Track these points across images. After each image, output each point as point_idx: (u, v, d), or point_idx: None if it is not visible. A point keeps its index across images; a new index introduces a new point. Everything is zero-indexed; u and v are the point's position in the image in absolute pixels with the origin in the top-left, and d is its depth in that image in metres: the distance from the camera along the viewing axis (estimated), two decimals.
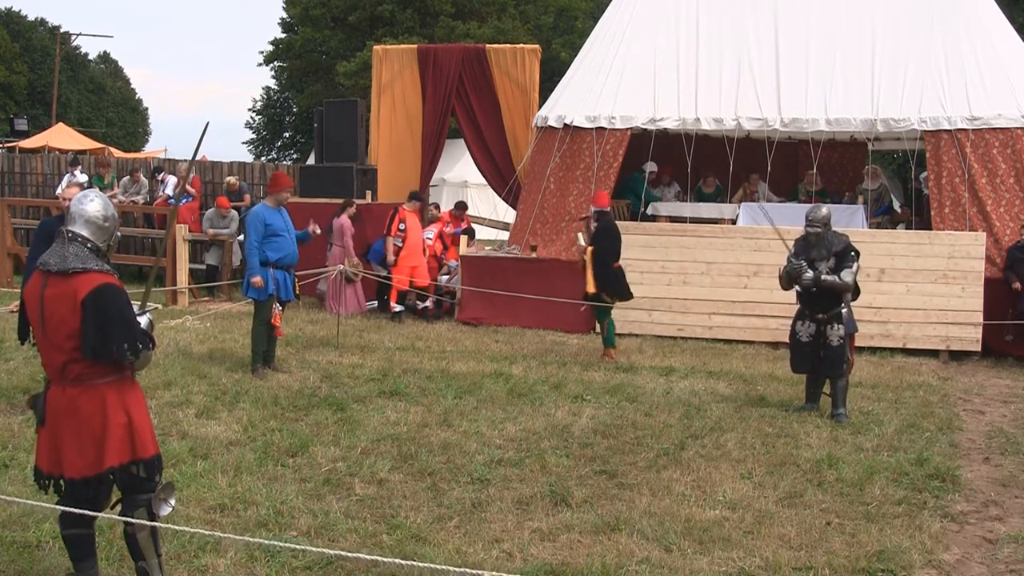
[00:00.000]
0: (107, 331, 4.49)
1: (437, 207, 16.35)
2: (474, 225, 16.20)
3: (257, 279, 10.00)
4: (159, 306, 9.69)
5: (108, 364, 4.58)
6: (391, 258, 14.01)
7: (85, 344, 4.49)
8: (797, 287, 9.01)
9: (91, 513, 4.63)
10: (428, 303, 14.17)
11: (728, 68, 13.95)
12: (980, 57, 13.21)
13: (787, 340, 12.31)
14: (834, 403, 8.93)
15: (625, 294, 11.21)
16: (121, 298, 4.60)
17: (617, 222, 11.80)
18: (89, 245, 4.65)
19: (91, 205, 4.71)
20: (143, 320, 4.82)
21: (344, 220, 14.19)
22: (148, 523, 4.71)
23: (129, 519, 4.67)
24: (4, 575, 5.10)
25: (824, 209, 8.99)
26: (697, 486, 6.80)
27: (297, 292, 10.48)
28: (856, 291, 9.04)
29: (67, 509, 4.65)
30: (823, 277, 8.79)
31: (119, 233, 5.04)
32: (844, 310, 8.90)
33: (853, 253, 8.86)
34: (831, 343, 8.90)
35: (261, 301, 10.06)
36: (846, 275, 8.77)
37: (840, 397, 8.90)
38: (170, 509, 4.80)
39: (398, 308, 14.02)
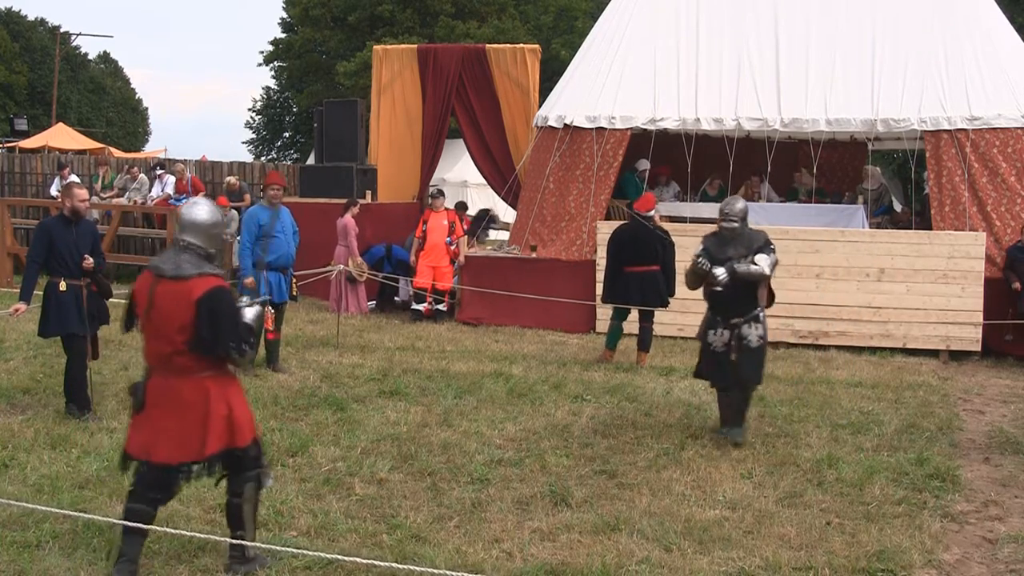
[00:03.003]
0: (218, 330, 4.82)
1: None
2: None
3: (249, 280, 9.93)
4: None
5: (212, 359, 4.90)
6: (412, 258, 14.20)
7: (196, 340, 4.81)
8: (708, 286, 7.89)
9: (145, 523, 4.89)
10: (442, 305, 14.14)
11: (728, 68, 13.92)
12: (980, 57, 13.19)
13: (784, 339, 12.21)
14: (734, 418, 7.89)
15: (633, 301, 11.01)
16: (231, 300, 5.00)
17: (615, 222, 11.77)
18: (201, 252, 4.99)
19: (200, 213, 5.06)
20: (252, 312, 5.18)
21: (348, 220, 14.20)
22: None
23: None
24: (4, 575, 5.10)
25: (741, 203, 7.89)
26: (697, 486, 6.80)
27: (295, 293, 10.41)
28: (771, 296, 7.98)
29: (127, 524, 4.92)
30: (736, 267, 7.62)
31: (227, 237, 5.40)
32: (761, 313, 7.84)
33: (772, 247, 7.80)
34: (749, 343, 7.72)
35: None
36: (761, 259, 7.62)
37: (743, 411, 7.92)
38: (271, 482, 5.37)
39: (439, 307, 14.04)
